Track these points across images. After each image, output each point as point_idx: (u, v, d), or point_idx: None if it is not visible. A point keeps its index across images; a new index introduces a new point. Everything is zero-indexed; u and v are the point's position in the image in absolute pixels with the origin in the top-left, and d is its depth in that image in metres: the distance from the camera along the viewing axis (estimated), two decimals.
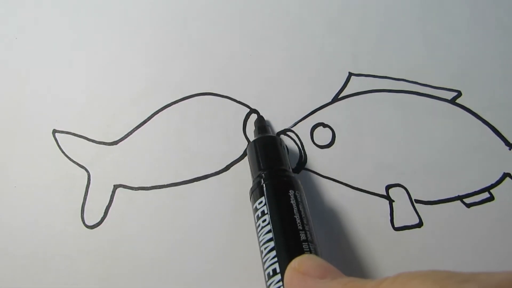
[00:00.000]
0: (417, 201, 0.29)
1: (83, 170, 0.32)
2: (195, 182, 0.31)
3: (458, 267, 0.27)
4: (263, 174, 0.26)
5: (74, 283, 0.28)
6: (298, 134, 0.31)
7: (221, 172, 0.31)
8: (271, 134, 0.30)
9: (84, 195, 0.31)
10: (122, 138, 0.32)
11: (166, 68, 0.34)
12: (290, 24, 0.35)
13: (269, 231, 0.23)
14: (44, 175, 0.31)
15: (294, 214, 0.24)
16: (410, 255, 0.27)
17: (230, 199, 0.30)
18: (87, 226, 0.30)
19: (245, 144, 0.31)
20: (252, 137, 0.31)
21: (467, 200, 0.29)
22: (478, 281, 0.13)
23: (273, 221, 0.24)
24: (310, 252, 0.22)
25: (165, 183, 0.31)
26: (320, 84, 0.33)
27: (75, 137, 0.33)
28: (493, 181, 0.29)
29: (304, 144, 0.31)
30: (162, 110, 0.33)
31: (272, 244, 0.23)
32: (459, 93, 0.32)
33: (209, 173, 0.31)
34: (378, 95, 0.32)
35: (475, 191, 0.29)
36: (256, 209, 0.25)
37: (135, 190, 0.31)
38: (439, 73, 0.32)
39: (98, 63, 0.35)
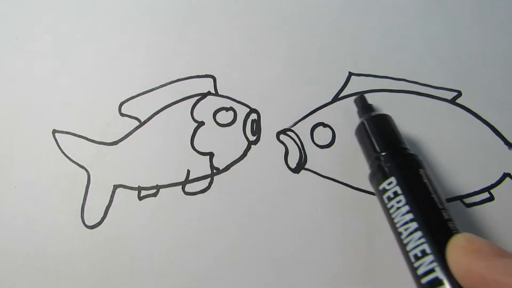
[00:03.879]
0: None
1: (83, 170, 0.32)
2: (195, 182, 0.31)
3: None
4: (381, 156, 0.26)
5: (74, 283, 0.28)
6: (298, 134, 0.31)
7: (221, 172, 0.31)
8: (377, 112, 0.29)
9: (84, 195, 0.31)
10: (122, 138, 0.32)
11: (166, 68, 0.34)
12: (290, 24, 0.35)
13: (408, 212, 0.23)
14: (44, 175, 0.31)
15: (431, 194, 0.23)
16: None
17: (230, 199, 0.30)
18: (87, 226, 0.30)
19: (245, 144, 0.31)
20: (251, 138, 0.31)
21: (467, 200, 0.29)
22: None
23: (410, 201, 0.23)
24: (457, 230, 0.22)
25: (165, 183, 0.31)
26: (320, 84, 0.33)
27: (75, 137, 0.33)
28: (493, 181, 0.29)
29: (304, 144, 0.31)
30: (162, 110, 0.33)
31: (414, 225, 0.22)
32: (459, 93, 0.32)
33: (209, 173, 0.31)
34: (378, 95, 0.32)
35: (475, 191, 0.29)
36: (385, 190, 0.24)
37: (135, 190, 0.31)
38: (439, 73, 0.32)
39: (98, 63, 0.35)
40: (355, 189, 0.29)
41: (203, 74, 0.34)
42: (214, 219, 0.29)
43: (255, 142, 0.31)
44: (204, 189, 0.30)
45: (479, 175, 0.29)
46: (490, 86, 0.32)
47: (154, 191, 0.31)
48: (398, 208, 0.23)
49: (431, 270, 0.21)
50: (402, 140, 0.27)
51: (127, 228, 0.30)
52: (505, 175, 0.29)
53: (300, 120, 0.32)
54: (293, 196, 0.29)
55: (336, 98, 0.32)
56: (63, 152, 0.32)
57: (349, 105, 0.32)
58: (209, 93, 0.33)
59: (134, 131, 0.32)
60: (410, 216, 0.23)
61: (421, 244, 0.22)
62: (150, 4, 0.37)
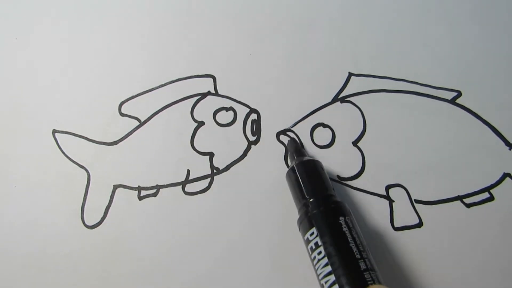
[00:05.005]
0: (417, 201, 0.29)
1: (83, 170, 0.32)
2: (195, 182, 0.31)
3: (457, 267, 0.27)
4: (309, 203, 0.26)
5: (74, 283, 0.28)
6: (298, 134, 0.31)
7: (221, 172, 0.31)
8: (308, 157, 0.29)
9: (84, 195, 0.31)
10: (122, 138, 0.32)
11: (166, 68, 0.34)
12: (290, 24, 0.35)
13: (326, 264, 0.23)
14: (44, 175, 0.31)
15: (349, 243, 0.23)
16: (410, 255, 0.27)
17: (230, 199, 0.30)
18: (87, 226, 0.30)
19: (245, 144, 0.31)
20: (251, 138, 0.31)
21: (467, 200, 0.29)
22: None
23: (328, 253, 0.23)
24: (373, 281, 0.22)
25: (165, 183, 0.31)
26: (320, 84, 0.33)
27: (75, 137, 0.33)
28: (493, 181, 0.29)
29: (304, 144, 0.31)
30: (162, 110, 0.33)
31: (332, 278, 0.22)
32: (459, 93, 0.32)
33: (209, 173, 0.31)
34: (378, 95, 0.32)
35: (475, 191, 0.29)
36: (308, 241, 0.24)
37: (135, 190, 0.31)
38: (439, 73, 0.32)
39: (98, 63, 0.35)
40: (354, 189, 0.29)
41: (203, 74, 0.34)
42: (214, 219, 0.29)
43: (255, 142, 0.31)
44: (204, 189, 0.30)
45: (479, 175, 0.29)
46: (490, 86, 0.32)
47: (154, 191, 0.31)
48: (319, 260, 0.23)
49: None
50: (329, 187, 0.27)
51: (127, 228, 0.30)
52: (505, 175, 0.29)
53: (300, 120, 0.32)
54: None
55: (336, 98, 0.32)
56: (63, 152, 0.32)
57: (349, 105, 0.32)
58: (209, 93, 0.33)
59: (134, 131, 0.32)
60: (328, 269, 0.23)
61: None
62: (150, 4, 0.37)
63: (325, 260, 0.23)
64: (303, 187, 0.26)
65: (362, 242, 0.24)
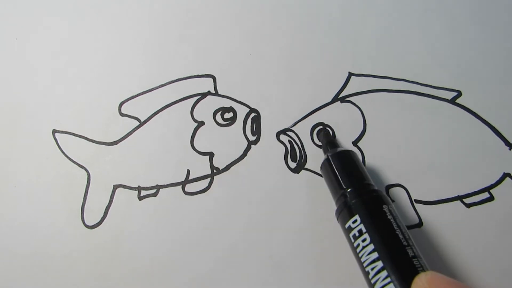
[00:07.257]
0: (417, 201, 0.29)
1: (83, 170, 0.32)
2: (195, 182, 0.31)
3: (457, 267, 0.27)
4: (347, 193, 0.26)
5: (74, 283, 0.28)
6: (298, 134, 0.31)
7: (221, 172, 0.31)
8: (342, 148, 0.29)
9: (84, 195, 0.31)
10: (122, 138, 0.32)
11: (166, 68, 0.34)
12: (290, 24, 0.35)
13: (373, 251, 0.23)
14: (44, 175, 0.31)
15: (395, 230, 0.23)
16: None
17: (230, 199, 0.30)
18: (87, 226, 0.30)
19: (245, 144, 0.31)
20: (251, 138, 0.31)
21: (467, 200, 0.29)
22: None
23: (374, 240, 0.23)
24: (422, 268, 0.22)
25: (165, 183, 0.31)
26: (320, 84, 0.33)
27: (75, 137, 0.33)
28: (493, 181, 0.29)
29: (304, 144, 0.31)
30: (162, 110, 0.33)
31: (380, 264, 0.22)
32: (459, 93, 0.32)
33: (209, 173, 0.31)
34: (378, 95, 0.32)
35: (475, 191, 0.29)
36: (350, 229, 0.24)
37: (135, 190, 0.31)
38: (439, 73, 0.32)
39: (98, 63, 0.35)
40: None
41: (203, 74, 0.34)
42: (214, 219, 0.29)
43: (255, 142, 0.31)
44: (204, 189, 0.30)
45: (479, 175, 0.29)
46: (490, 86, 0.32)
47: (154, 191, 0.31)
48: (364, 247, 0.23)
49: None
50: (367, 176, 0.27)
51: (127, 228, 0.30)
52: (505, 175, 0.29)
53: (300, 120, 0.32)
54: (293, 196, 0.29)
55: (336, 98, 0.32)
56: (63, 152, 0.32)
57: (349, 105, 0.32)
58: (209, 93, 0.33)
59: (134, 131, 0.32)
60: (375, 255, 0.22)
61: (388, 284, 0.21)
62: (150, 4, 0.37)
63: (371, 246, 0.23)
64: (339, 178, 0.26)
65: (406, 231, 0.24)
